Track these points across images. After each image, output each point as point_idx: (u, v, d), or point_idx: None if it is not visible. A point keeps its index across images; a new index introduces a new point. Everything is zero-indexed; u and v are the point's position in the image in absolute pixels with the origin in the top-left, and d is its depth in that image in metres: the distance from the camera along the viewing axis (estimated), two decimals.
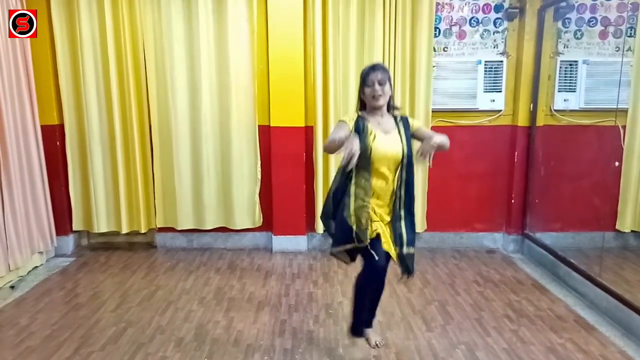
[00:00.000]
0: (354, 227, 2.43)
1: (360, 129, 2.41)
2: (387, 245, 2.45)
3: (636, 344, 2.83)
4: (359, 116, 2.48)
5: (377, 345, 2.74)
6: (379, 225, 2.46)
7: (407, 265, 2.47)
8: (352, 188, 2.46)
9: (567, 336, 2.92)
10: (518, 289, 3.62)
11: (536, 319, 3.15)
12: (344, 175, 2.48)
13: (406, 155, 2.44)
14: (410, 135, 2.50)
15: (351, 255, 2.57)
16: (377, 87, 2.42)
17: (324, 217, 2.65)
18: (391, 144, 2.42)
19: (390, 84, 2.47)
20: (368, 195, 2.44)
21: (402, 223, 2.47)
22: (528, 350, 2.76)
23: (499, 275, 3.91)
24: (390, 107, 2.53)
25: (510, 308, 3.30)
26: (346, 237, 2.46)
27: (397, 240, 2.46)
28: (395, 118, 2.53)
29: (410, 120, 2.55)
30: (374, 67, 2.46)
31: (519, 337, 2.90)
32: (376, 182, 2.44)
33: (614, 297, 3.11)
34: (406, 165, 2.44)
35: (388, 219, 2.50)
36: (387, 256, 2.46)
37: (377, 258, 2.41)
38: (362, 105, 2.54)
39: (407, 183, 2.47)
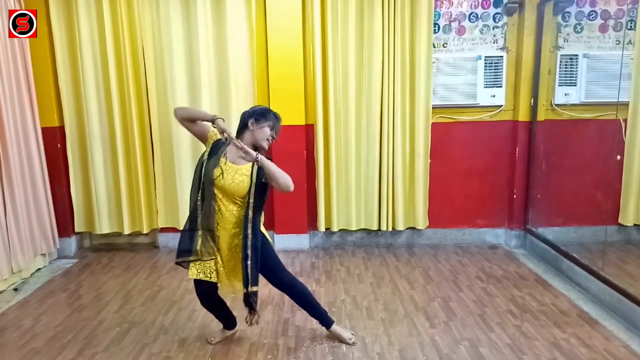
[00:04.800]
0: (198, 244, 2.55)
1: (215, 149, 2.51)
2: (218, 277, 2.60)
3: None
4: (222, 139, 2.54)
5: (353, 342, 2.79)
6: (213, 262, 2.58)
7: (252, 303, 2.56)
8: (199, 205, 2.53)
9: (571, 331, 2.92)
10: (521, 284, 3.62)
11: (539, 314, 3.14)
12: (197, 192, 2.54)
13: (252, 193, 2.45)
14: (262, 176, 2.49)
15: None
16: (275, 136, 2.58)
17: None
18: (236, 177, 2.45)
19: None
20: (211, 219, 2.51)
21: (249, 262, 2.47)
22: (532, 345, 2.76)
23: (501, 270, 3.90)
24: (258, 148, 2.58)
25: (514, 303, 3.30)
26: (187, 249, 2.58)
27: (244, 279, 2.49)
28: (256, 156, 2.50)
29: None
30: (279, 118, 2.60)
31: (523, 333, 2.90)
32: (219, 209, 2.50)
33: (617, 291, 3.10)
34: (252, 204, 2.46)
35: (228, 249, 2.57)
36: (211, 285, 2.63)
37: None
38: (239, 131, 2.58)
39: (254, 222, 2.48)
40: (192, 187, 2.58)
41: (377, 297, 3.43)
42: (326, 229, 4.41)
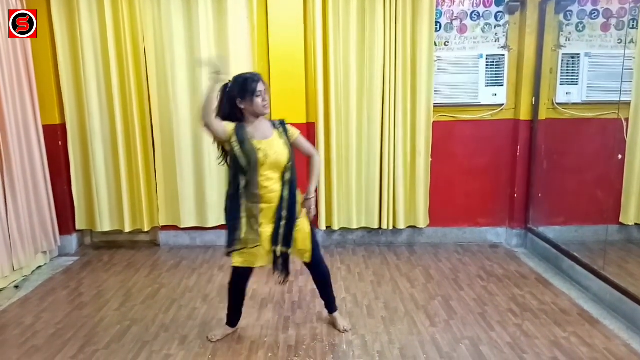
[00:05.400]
0: (244, 231, 2.56)
1: (240, 137, 2.50)
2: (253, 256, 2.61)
3: None
4: (236, 125, 2.54)
5: (345, 330, 2.89)
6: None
7: (279, 264, 2.63)
8: (242, 193, 2.54)
9: (572, 330, 2.91)
10: (522, 283, 3.62)
11: (540, 313, 3.14)
12: (235, 178, 2.56)
13: (290, 157, 2.58)
14: (290, 142, 2.64)
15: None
16: (266, 96, 2.55)
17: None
18: (274, 148, 2.55)
19: None
20: (256, 201, 2.55)
21: (283, 223, 2.58)
22: (532, 344, 2.76)
23: (502, 269, 3.90)
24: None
25: (514, 302, 3.30)
26: (235, 239, 2.58)
27: (275, 238, 2.58)
28: (273, 123, 2.66)
29: (287, 126, 2.69)
30: (256, 78, 2.54)
31: (523, 332, 2.90)
32: (262, 189, 2.54)
33: (618, 290, 3.10)
34: (291, 167, 2.59)
35: (270, 224, 2.59)
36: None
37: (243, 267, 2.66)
38: (234, 117, 2.56)
39: (291, 183, 2.60)
40: (230, 180, 2.58)
41: (378, 296, 3.43)
42: (327, 227, 4.41)
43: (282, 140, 2.59)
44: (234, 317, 2.90)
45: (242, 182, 2.53)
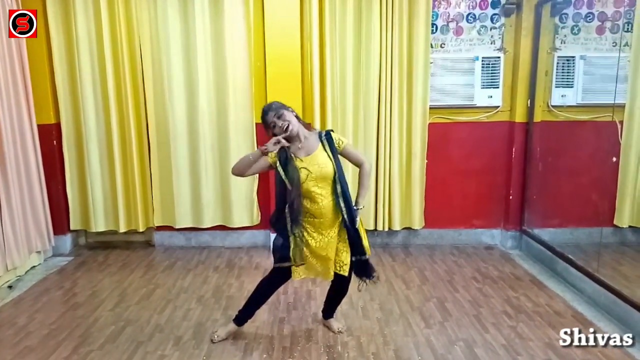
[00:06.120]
0: (291, 248, 2.61)
1: (283, 160, 2.53)
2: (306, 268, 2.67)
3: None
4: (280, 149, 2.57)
5: (340, 331, 2.92)
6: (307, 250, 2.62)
7: (360, 272, 2.72)
8: (289, 211, 2.57)
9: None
10: (516, 285, 3.63)
11: (534, 314, 3.15)
12: (282, 197, 2.59)
13: (336, 170, 2.56)
14: (338, 152, 2.62)
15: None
16: (279, 122, 2.54)
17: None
18: (317, 162, 2.54)
19: (288, 109, 2.60)
20: (304, 217, 2.58)
21: (352, 233, 2.62)
22: (526, 346, 2.77)
23: (497, 271, 3.91)
24: (305, 126, 2.66)
25: (509, 304, 3.31)
26: (285, 255, 2.63)
27: (357, 249, 2.65)
28: (319, 135, 2.64)
29: (335, 136, 2.64)
30: (265, 111, 2.60)
31: (518, 333, 2.91)
32: (313, 204, 2.55)
33: (612, 292, 3.12)
34: (339, 179, 2.57)
35: (332, 233, 2.62)
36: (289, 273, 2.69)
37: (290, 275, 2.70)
38: None
39: (344, 194, 2.58)
40: (278, 198, 2.61)
41: (373, 297, 3.43)
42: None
43: (326, 153, 2.57)
44: (247, 316, 2.88)
45: (289, 201, 2.54)
